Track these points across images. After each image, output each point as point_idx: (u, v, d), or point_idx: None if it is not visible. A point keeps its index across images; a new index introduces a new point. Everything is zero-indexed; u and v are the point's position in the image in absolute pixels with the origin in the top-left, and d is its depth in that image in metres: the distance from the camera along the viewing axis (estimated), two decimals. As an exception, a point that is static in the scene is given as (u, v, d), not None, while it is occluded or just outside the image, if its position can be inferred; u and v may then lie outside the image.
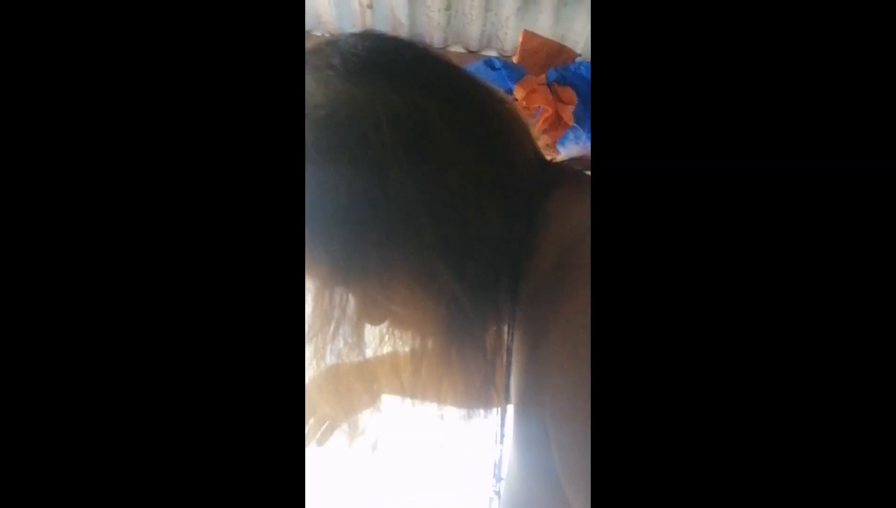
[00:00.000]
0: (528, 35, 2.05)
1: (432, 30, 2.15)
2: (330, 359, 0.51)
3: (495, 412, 0.59)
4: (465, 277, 0.49)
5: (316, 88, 0.49)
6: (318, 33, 2.18)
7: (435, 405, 0.55)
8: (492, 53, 2.24)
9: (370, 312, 0.52)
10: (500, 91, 0.59)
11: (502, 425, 0.61)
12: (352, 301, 0.50)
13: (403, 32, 2.10)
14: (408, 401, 0.56)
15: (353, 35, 0.54)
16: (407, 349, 0.53)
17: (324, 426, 0.80)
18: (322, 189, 0.47)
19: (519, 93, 1.92)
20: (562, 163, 0.59)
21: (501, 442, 0.61)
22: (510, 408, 0.55)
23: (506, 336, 0.55)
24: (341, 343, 0.50)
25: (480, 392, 0.52)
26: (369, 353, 0.53)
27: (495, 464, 0.60)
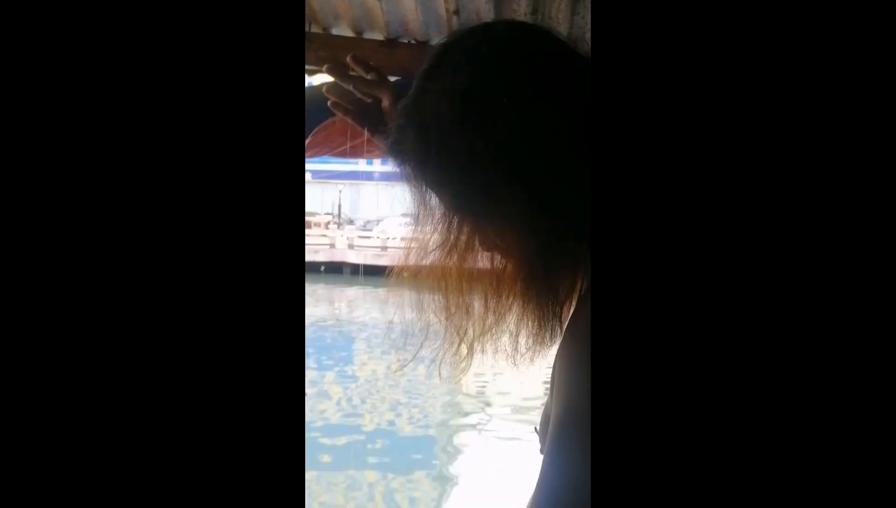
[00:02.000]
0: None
1: (518, 34, 2.13)
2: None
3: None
4: (554, 231, 0.61)
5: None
6: (405, 41, 2.21)
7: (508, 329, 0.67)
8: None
9: (479, 239, 0.66)
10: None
11: None
12: (466, 229, 0.64)
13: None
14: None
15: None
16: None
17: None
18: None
19: None
20: None
21: None
22: None
23: (579, 285, 0.65)
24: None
25: (545, 327, 0.64)
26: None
27: None
